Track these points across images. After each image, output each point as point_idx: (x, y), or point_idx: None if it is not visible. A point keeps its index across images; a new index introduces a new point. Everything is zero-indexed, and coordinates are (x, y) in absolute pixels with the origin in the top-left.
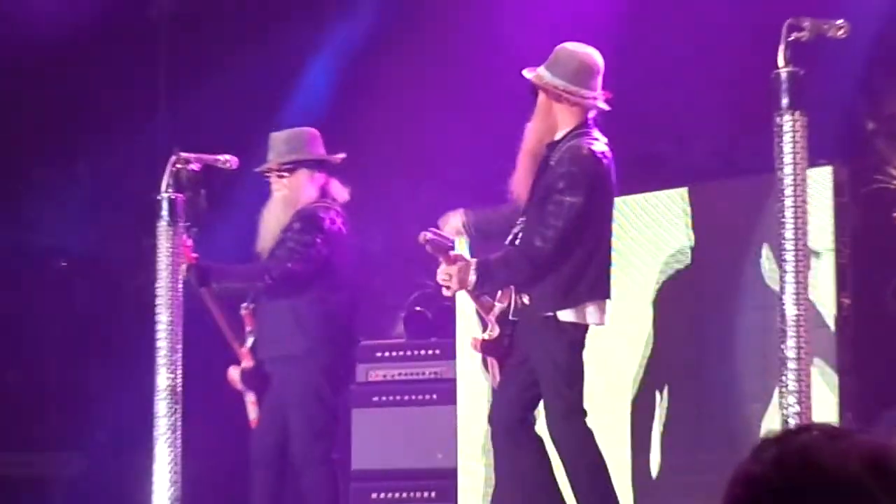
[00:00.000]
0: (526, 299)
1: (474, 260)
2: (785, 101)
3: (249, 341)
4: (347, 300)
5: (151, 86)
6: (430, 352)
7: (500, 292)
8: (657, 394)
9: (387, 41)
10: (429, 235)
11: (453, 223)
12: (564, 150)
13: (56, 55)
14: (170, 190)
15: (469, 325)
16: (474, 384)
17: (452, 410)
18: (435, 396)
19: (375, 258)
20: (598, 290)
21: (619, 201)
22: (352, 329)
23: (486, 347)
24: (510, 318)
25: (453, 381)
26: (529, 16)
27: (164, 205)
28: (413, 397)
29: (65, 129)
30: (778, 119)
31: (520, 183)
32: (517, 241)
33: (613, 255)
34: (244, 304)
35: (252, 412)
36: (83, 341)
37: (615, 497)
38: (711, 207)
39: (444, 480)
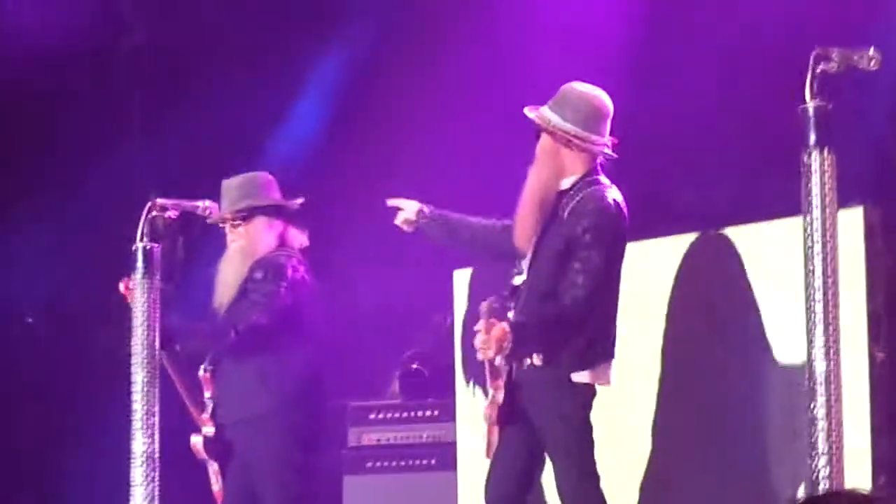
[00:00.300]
0: (537, 360)
1: (506, 324)
2: (812, 138)
3: (209, 407)
4: (314, 354)
5: (125, 123)
6: (427, 413)
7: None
8: (677, 453)
9: (374, 72)
10: (495, 305)
11: (409, 210)
12: (581, 200)
13: (24, 90)
14: (146, 239)
15: (468, 385)
16: (476, 448)
17: (453, 477)
18: (433, 461)
19: (367, 312)
20: (612, 349)
21: (635, 246)
22: (320, 384)
23: (498, 416)
24: (513, 379)
25: (453, 444)
26: (538, 49)
27: (140, 255)
28: (410, 462)
29: (32, 171)
30: (805, 157)
31: (524, 232)
32: (523, 296)
33: (635, 303)
34: (203, 367)
35: (215, 484)
36: (52, 403)
37: None
38: (734, 253)
39: None
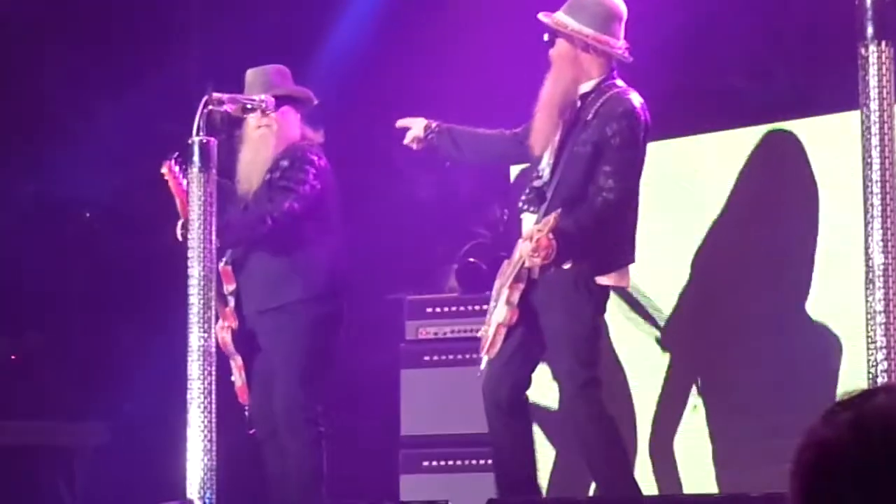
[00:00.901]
0: (567, 265)
1: (549, 233)
2: (870, 31)
3: (231, 301)
4: (339, 242)
5: (182, 17)
6: (485, 307)
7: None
8: (731, 352)
9: None
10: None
11: (417, 127)
12: (605, 102)
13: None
14: (202, 132)
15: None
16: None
17: None
18: None
19: (424, 205)
20: (633, 252)
21: (689, 141)
22: (344, 274)
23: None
24: (532, 277)
25: None
26: None
27: (196, 149)
28: (467, 356)
29: (86, 68)
30: (862, 50)
31: (542, 135)
32: (548, 199)
33: (686, 198)
34: (225, 260)
35: (238, 379)
36: (109, 299)
37: (630, 469)
38: (788, 147)
39: None
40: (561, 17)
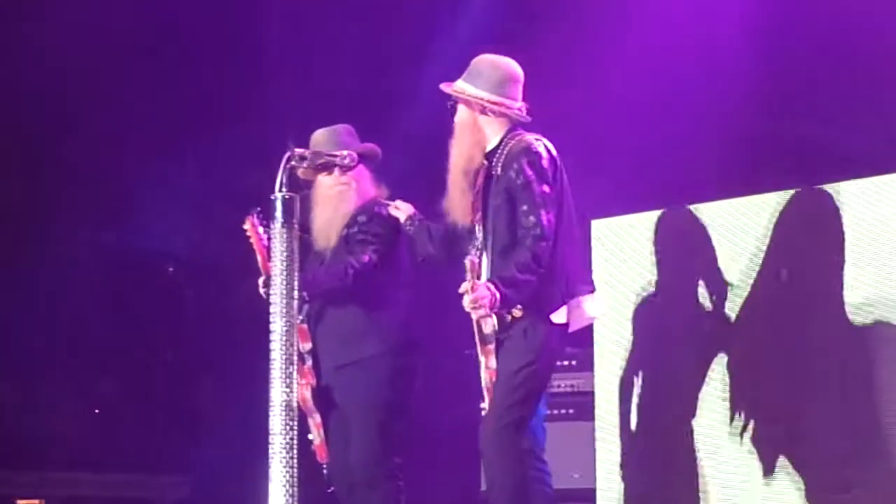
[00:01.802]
0: (518, 311)
1: (487, 282)
2: None
3: (308, 360)
4: (414, 296)
5: (264, 71)
6: (565, 363)
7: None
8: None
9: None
10: (475, 260)
11: (404, 211)
12: (507, 152)
13: (162, 41)
14: (284, 188)
15: (608, 333)
16: (614, 398)
17: (590, 426)
18: (572, 411)
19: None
20: (586, 281)
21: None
22: (419, 327)
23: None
24: (497, 337)
25: (591, 394)
26: None
27: (279, 205)
28: (548, 412)
29: (172, 123)
30: None
31: (457, 203)
32: (486, 259)
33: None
34: (299, 318)
35: (317, 437)
36: (190, 352)
37: None
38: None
39: (582, 503)
40: (459, 84)
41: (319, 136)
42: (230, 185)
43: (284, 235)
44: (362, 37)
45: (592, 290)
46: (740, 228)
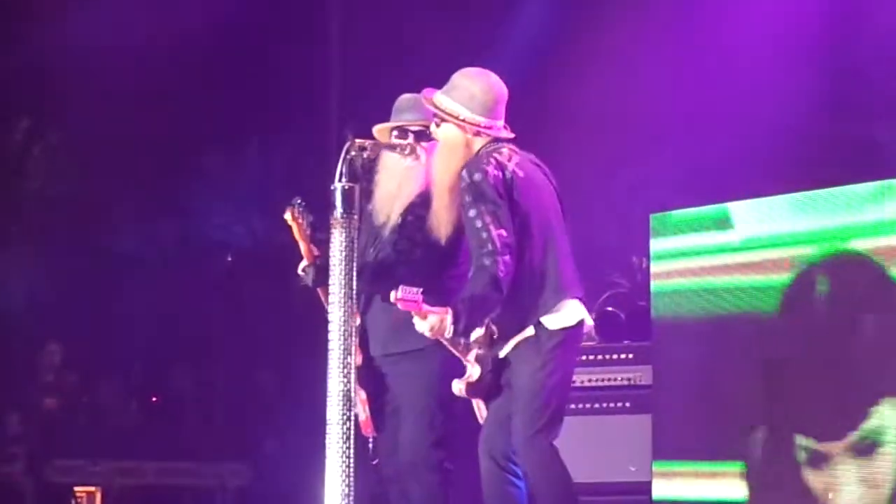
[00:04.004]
0: (493, 328)
1: (446, 308)
2: None
3: (356, 337)
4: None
5: (324, 65)
6: (623, 356)
7: (473, 336)
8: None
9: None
10: (399, 294)
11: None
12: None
13: (223, 38)
14: (344, 179)
15: (667, 326)
16: (672, 391)
17: (647, 419)
18: (628, 404)
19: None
20: (572, 287)
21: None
22: None
23: (471, 391)
24: (491, 356)
25: (649, 387)
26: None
27: (339, 195)
28: (605, 405)
29: (233, 116)
30: None
31: (442, 218)
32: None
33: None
34: None
35: (362, 412)
36: (251, 341)
37: None
38: None
39: (638, 496)
40: (451, 105)
41: (404, 102)
42: (292, 176)
43: (344, 225)
44: (426, 28)
45: (579, 296)
46: (794, 222)
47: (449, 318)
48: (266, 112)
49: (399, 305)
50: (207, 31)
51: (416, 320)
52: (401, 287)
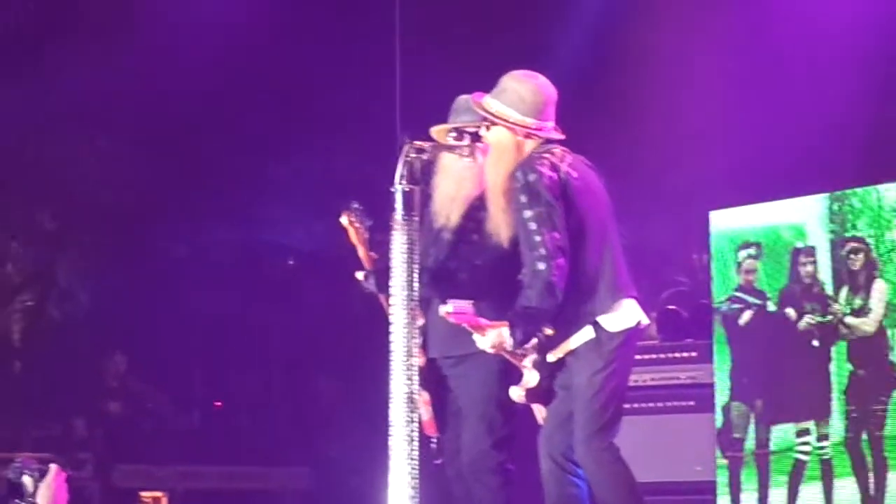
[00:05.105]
0: (549, 331)
1: (503, 322)
2: None
3: (419, 337)
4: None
5: (384, 71)
6: (685, 354)
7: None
8: None
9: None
10: (450, 309)
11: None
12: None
13: (283, 47)
14: (403, 181)
15: (728, 324)
16: (728, 387)
17: (711, 418)
18: (692, 403)
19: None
20: (628, 286)
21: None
22: None
23: (530, 396)
24: (547, 360)
25: (712, 385)
26: None
27: (398, 197)
28: (668, 404)
29: (291, 120)
30: None
31: (500, 221)
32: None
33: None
34: None
35: (424, 413)
36: (312, 345)
37: None
38: None
39: (703, 495)
40: (501, 108)
41: (461, 103)
42: (352, 180)
43: (405, 228)
44: (484, 30)
45: (635, 296)
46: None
47: (506, 332)
48: (325, 116)
49: (451, 320)
50: (266, 36)
51: (476, 336)
52: (450, 301)
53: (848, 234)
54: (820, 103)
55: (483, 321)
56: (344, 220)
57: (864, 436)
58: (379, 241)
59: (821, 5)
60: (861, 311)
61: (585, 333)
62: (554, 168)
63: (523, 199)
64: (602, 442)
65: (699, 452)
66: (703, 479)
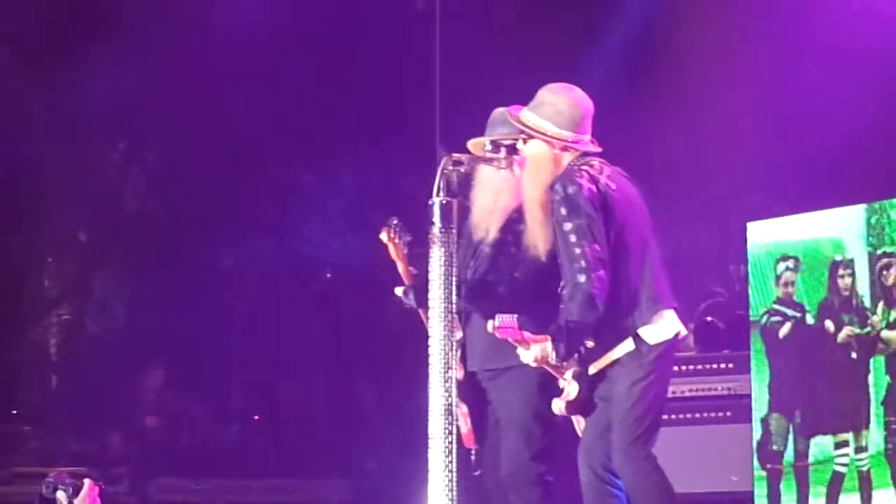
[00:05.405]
0: (590, 343)
1: (545, 336)
2: None
3: (458, 350)
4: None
5: (422, 84)
6: (723, 365)
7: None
8: None
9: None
10: (497, 323)
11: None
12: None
13: (317, 58)
14: (442, 193)
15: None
16: (767, 399)
17: (748, 429)
18: (729, 414)
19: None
20: (662, 298)
21: None
22: None
23: (570, 408)
24: (588, 373)
25: (749, 396)
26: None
27: (436, 210)
28: (705, 415)
29: (329, 133)
30: None
31: (538, 234)
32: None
33: None
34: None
35: (464, 425)
36: (350, 358)
37: None
38: None
39: None
40: (538, 122)
41: (498, 116)
42: (390, 193)
43: (443, 240)
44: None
45: (675, 307)
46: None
47: (549, 346)
48: (362, 129)
49: (497, 334)
50: (302, 50)
51: (520, 350)
52: (497, 315)
53: (882, 250)
54: (858, 113)
55: (528, 335)
56: (384, 236)
57: None
58: (417, 255)
59: (861, 14)
60: None
61: (626, 346)
62: (593, 180)
63: (563, 211)
64: (640, 451)
65: (736, 463)
66: (740, 489)
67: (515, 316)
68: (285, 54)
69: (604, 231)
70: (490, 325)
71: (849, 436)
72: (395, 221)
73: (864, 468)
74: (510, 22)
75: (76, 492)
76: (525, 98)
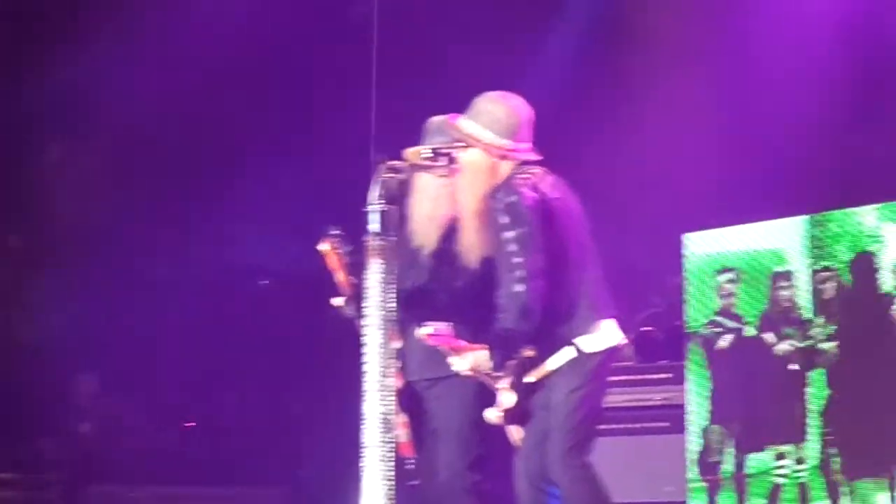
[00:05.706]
0: (530, 353)
1: (482, 345)
2: None
3: (398, 361)
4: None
5: (359, 89)
6: (660, 375)
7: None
8: None
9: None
10: (429, 330)
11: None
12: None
13: (256, 64)
14: (378, 201)
15: (699, 347)
16: (707, 410)
17: (683, 439)
18: (667, 424)
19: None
20: (607, 307)
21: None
22: None
23: (508, 417)
24: (524, 381)
25: (683, 407)
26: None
27: (374, 217)
28: (642, 425)
29: (266, 139)
30: None
31: (472, 242)
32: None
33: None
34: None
35: (402, 435)
36: (286, 366)
37: None
38: None
39: None
40: (476, 130)
41: (434, 124)
42: (327, 201)
43: (380, 248)
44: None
45: (614, 316)
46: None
47: (485, 354)
48: (300, 135)
49: (429, 342)
50: (242, 55)
51: (453, 359)
52: (429, 323)
53: (822, 263)
54: (801, 123)
55: (462, 343)
56: (325, 246)
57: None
58: (356, 264)
59: (801, 28)
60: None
61: (564, 354)
62: (535, 188)
63: (505, 220)
64: (577, 459)
65: (672, 474)
66: (674, 499)
67: (450, 324)
68: (224, 61)
69: (544, 240)
70: (421, 331)
71: (788, 448)
72: (335, 231)
73: (804, 480)
74: (448, 31)
75: None
76: (462, 107)
